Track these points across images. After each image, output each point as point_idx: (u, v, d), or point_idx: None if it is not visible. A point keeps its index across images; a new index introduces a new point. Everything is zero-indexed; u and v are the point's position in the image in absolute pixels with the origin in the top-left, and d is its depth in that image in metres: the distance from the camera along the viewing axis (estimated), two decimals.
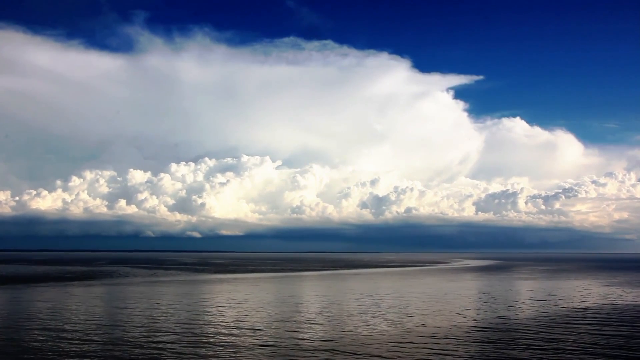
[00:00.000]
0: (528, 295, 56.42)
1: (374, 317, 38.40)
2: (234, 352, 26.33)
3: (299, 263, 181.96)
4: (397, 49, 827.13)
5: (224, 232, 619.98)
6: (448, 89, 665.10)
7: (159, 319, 36.78)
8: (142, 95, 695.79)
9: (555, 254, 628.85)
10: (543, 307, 44.78)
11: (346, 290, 63.86)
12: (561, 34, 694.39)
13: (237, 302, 48.02)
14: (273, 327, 33.77)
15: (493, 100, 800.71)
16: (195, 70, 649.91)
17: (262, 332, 31.68)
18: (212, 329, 32.76)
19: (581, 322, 36.08)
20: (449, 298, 52.54)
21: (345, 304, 47.15)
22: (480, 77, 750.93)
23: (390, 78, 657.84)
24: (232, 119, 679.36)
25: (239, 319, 37.07)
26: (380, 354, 25.74)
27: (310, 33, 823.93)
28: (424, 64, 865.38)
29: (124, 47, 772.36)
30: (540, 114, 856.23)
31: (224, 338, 29.78)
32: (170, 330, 32.18)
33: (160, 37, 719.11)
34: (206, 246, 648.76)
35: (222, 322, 35.85)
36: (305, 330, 32.42)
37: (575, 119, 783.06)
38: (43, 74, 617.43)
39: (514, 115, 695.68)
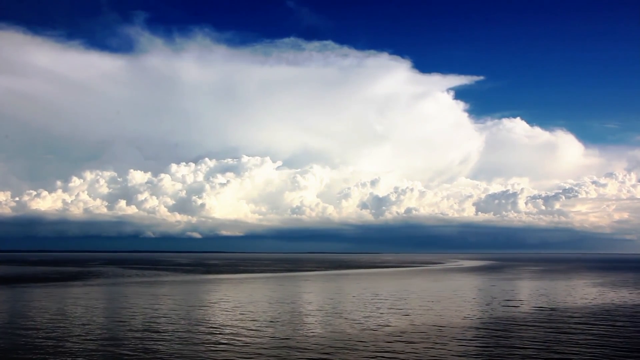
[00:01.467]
0: (499, 295, 56.46)
1: (339, 317, 38.58)
2: (182, 350, 26.56)
3: (292, 263, 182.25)
4: (398, 49, 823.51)
5: (224, 232, 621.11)
6: (448, 90, 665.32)
7: (123, 320, 37.04)
8: (142, 96, 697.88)
9: (556, 254, 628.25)
10: (505, 307, 44.96)
11: (325, 291, 64.07)
12: (561, 34, 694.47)
13: (211, 302, 48.26)
14: (233, 327, 33.97)
15: (493, 101, 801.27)
16: (196, 70, 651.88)
17: (219, 332, 31.89)
18: (170, 329, 32.96)
19: (533, 323, 36.22)
20: (419, 298, 52.65)
21: (316, 304, 47.34)
22: (481, 78, 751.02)
23: (391, 78, 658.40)
24: (233, 120, 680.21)
25: (202, 319, 37.27)
26: (321, 354, 25.96)
27: (311, 33, 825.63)
28: (424, 65, 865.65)
29: (124, 47, 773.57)
30: (541, 115, 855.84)
31: (178, 336, 30.00)
32: (132, 330, 32.44)
33: (160, 38, 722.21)
34: (206, 247, 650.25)
35: (184, 321, 36.04)
36: (261, 331, 32.61)
37: (575, 119, 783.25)
38: (43, 75, 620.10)
39: (514, 116, 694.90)
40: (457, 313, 41.02)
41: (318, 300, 50.98)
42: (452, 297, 54.35)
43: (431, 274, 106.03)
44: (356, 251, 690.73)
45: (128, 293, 59.75)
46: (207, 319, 37.96)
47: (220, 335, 30.98)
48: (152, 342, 28.78)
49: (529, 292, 60.86)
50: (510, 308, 44.51)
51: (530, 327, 34.03)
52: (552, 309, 43.69)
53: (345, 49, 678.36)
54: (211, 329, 33.13)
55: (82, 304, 46.89)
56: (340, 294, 58.83)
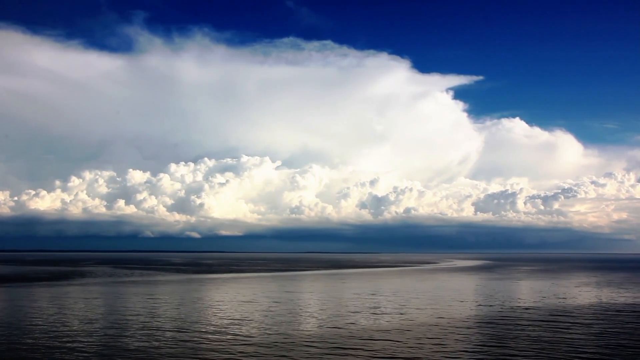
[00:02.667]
0: (476, 294, 56.58)
1: (310, 316, 38.74)
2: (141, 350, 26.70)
3: (285, 263, 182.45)
4: (397, 49, 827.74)
5: (223, 232, 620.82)
6: (448, 90, 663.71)
7: (92, 318, 37.20)
8: (141, 96, 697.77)
9: (554, 254, 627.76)
10: (482, 306, 45.06)
11: (307, 290, 64.19)
12: (561, 34, 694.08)
13: (187, 301, 48.40)
14: (199, 325, 34.11)
15: (493, 101, 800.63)
16: (195, 70, 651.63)
17: (185, 330, 32.02)
18: (136, 327, 33.10)
19: (504, 321, 36.33)
20: (393, 297, 52.74)
21: (292, 303, 47.46)
22: (480, 78, 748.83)
23: (390, 78, 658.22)
24: (232, 120, 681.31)
25: (171, 318, 37.40)
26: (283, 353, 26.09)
27: (310, 33, 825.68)
28: (423, 64, 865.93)
29: (124, 47, 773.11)
30: (540, 115, 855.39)
31: (143, 334, 30.13)
32: (98, 329, 32.59)
33: (159, 37, 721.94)
34: (205, 246, 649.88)
35: (153, 320, 36.18)
36: (221, 329, 32.74)
37: (574, 119, 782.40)
38: (42, 74, 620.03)
39: (514, 116, 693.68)
40: (424, 312, 41.13)
41: (285, 299, 51.07)
42: (431, 296, 54.47)
43: (420, 274, 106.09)
44: (355, 251, 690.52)
45: (107, 292, 59.93)
46: (175, 317, 38.06)
47: (184, 334, 31.11)
48: (112, 340, 28.94)
49: (507, 292, 60.90)
50: (483, 307, 44.62)
51: (488, 326, 34.14)
52: (511, 309, 43.80)
53: (345, 49, 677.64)
54: (176, 327, 33.25)
55: (57, 304, 47.06)
56: (316, 294, 58.94)
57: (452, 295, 56.81)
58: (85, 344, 28.46)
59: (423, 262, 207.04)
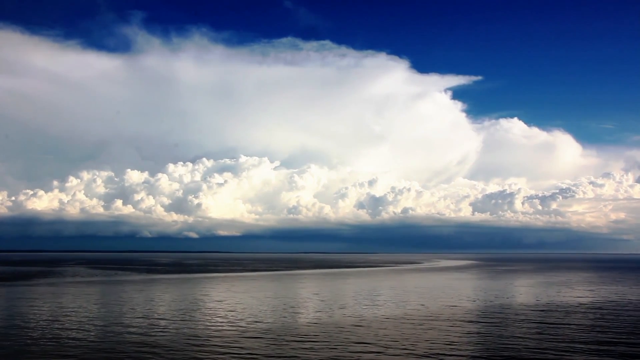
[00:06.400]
0: (419, 293, 56.05)
1: (256, 314, 38.33)
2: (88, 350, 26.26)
3: (268, 263, 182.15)
4: (396, 49, 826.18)
5: (221, 232, 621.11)
6: (446, 90, 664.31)
7: (28, 319, 36.82)
8: (139, 96, 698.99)
9: (552, 254, 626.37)
10: (423, 305, 44.55)
11: (264, 290, 63.74)
12: (559, 34, 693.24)
13: (126, 301, 48.05)
14: (131, 325, 33.68)
15: (491, 101, 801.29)
16: (193, 70, 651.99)
17: (110, 331, 31.60)
18: (77, 327, 32.70)
19: (438, 320, 35.84)
20: (340, 297, 52.27)
21: (243, 303, 47.04)
22: (479, 78, 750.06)
23: (389, 78, 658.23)
24: (230, 120, 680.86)
25: (102, 318, 36.99)
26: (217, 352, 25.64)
27: (308, 33, 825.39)
28: (422, 65, 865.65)
29: (122, 47, 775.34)
30: (538, 115, 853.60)
31: (82, 335, 29.73)
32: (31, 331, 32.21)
33: (157, 38, 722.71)
34: (203, 247, 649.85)
35: (84, 321, 35.79)
36: (150, 328, 32.31)
37: (573, 119, 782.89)
38: (40, 74, 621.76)
39: (512, 116, 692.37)
40: (339, 312, 40.66)
41: (243, 300, 50.60)
42: (368, 296, 53.97)
43: (388, 274, 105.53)
44: (353, 251, 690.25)
45: (57, 292, 59.49)
46: (107, 318, 37.64)
47: (112, 334, 30.70)
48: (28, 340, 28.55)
49: (467, 291, 60.32)
50: (422, 307, 44.11)
51: (422, 324, 33.65)
52: (456, 307, 43.28)
53: (343, 49, 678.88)
54: (99, 327, 32.85)
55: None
56: (279, 292, 58.47)
57: (392, 294, 56.26)
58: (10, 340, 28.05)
59: (408, 262, 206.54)
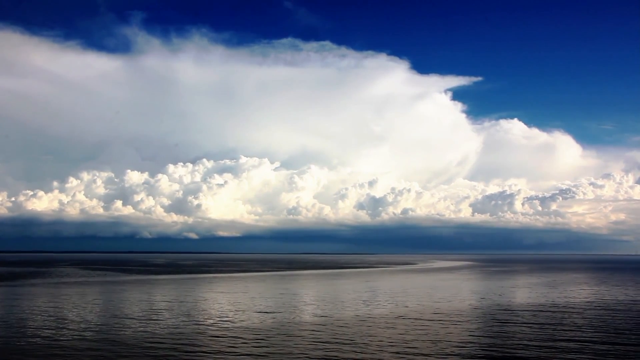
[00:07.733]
0: (401, 294, 56.15)
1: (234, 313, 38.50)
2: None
3: (262, 264, 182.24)
4: (396, 50, 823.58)
5: (221, 233, 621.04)
6: (446, 90, 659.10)
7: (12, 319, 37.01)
8: (139, 96, 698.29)
9: (552, 255, 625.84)
10: (397, 305, 44.65)
11: (249, 290, 63.89)
12: (559, 35, 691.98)
13: (121, 302, 48.23)
14: (106, 325, 33.84)
15: (491, 102, 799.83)
16: (193, 71, 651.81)
17: (87, 331, 31.77)
18: (52, 328, 32.88)
19: (417, 320, 35.95)
20: (321, 298, 52.41)
21: (224, 303, 47.20)
22: (479, 79, 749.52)
23: (389, 79, 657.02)
24: (230, 120, 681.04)
25: (79, 320, 37.17)
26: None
27: (308, 34, 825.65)
28: (422, 65, 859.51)
29: (122, 47, 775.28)
30: (538, 116, 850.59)
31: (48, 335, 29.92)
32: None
33: (157, 38, 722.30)
34: (203, 247, 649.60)
35: (62, 323, 35.97)
36: (133, 326, 32.46)
37: (573, 120, 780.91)
38: (40, 75, 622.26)
39: (512, 117, 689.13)
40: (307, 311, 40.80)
41: (222, 299, 50.75)
42: (354, 297, 54.10)
43: (383, 275, 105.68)
44: (353, 252, 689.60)
45: (44, 293, 59.74)
46: (84, 319, 37.82)
47: (88, 333, 30.85)
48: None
49: (449, 292, 60.42)
50: (399, 307, 44.23)
51: (395, 325, 33.79)
52: (421, 306, 43.41)
53: (343, 50, 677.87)
54: (79, 328, 33.01)
55: None
56: (261, 293, 58.62)
57: (371, 295, 56.38)
58: None
59: (403, 263, 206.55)
